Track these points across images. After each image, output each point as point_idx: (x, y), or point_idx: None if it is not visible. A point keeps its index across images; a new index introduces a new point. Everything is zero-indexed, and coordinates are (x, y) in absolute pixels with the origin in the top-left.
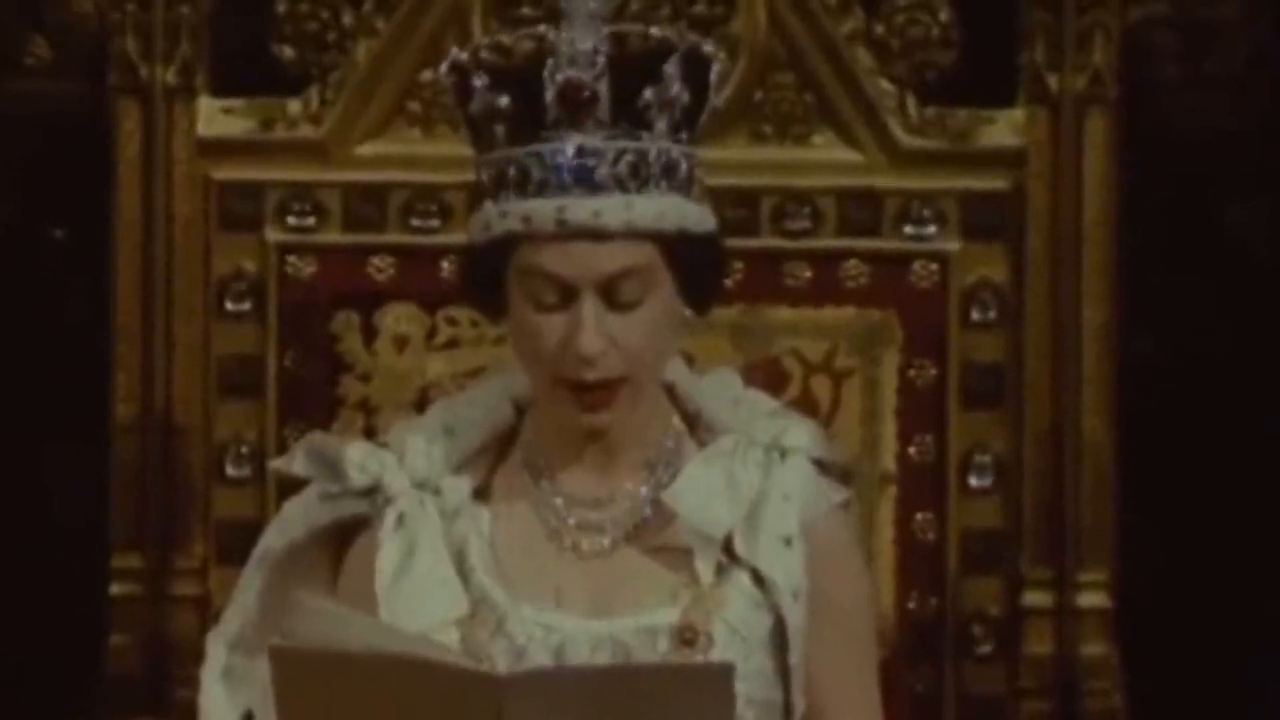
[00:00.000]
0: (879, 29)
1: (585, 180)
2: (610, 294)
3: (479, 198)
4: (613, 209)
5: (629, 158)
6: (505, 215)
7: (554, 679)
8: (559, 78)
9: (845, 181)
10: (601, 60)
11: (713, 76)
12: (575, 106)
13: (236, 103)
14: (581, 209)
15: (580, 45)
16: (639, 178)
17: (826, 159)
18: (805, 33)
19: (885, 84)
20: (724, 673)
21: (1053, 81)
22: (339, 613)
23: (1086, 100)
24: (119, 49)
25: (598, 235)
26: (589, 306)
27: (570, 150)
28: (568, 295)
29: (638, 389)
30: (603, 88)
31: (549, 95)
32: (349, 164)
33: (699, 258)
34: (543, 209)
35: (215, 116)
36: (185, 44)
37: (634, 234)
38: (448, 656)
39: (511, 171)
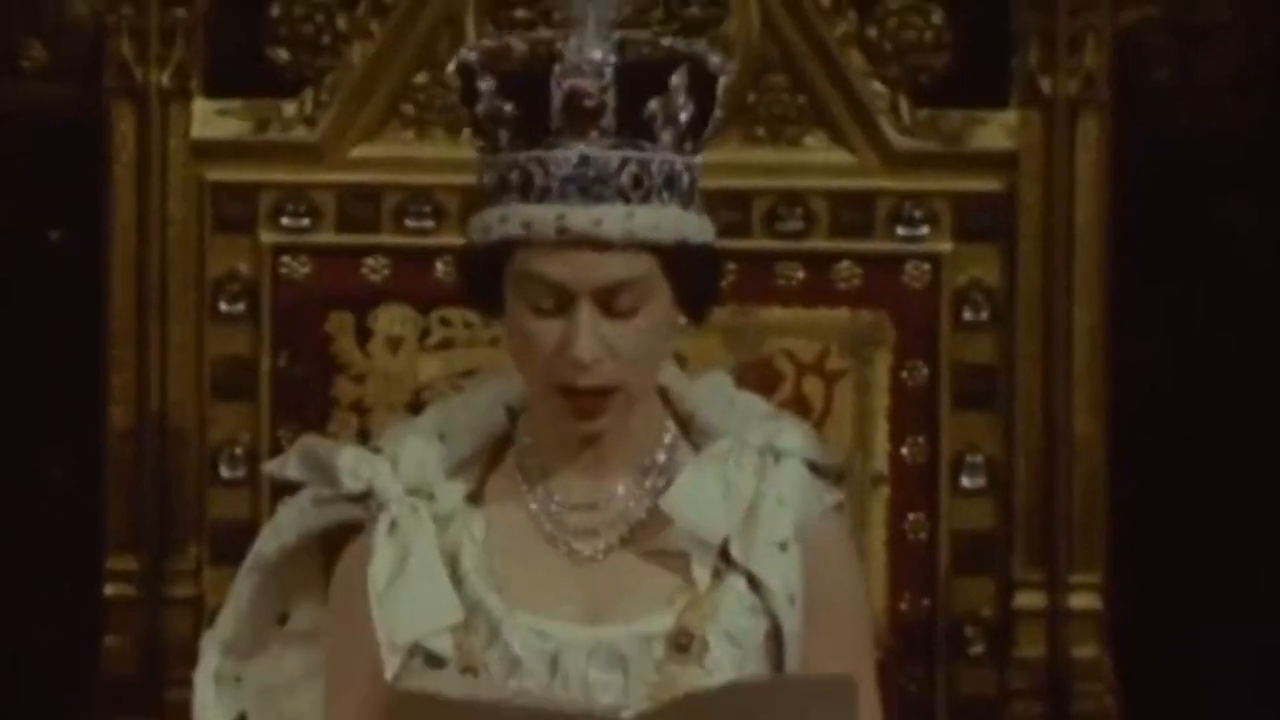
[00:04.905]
0: (872, 31)
1: (587, 189)
2: (607, 301)
3: (480, 200)
4: (613, 218)
5: (632, 168)
6: (505, 220)
7: (678, 710)
8: (565, 85)
9: (838, 183)
10: (609, 70)
11: (719, 89)
12: (580, 115)
13: (231, 105)
14: (582, 217)
15: (588, 54)
16: (641, 188)
17: (819, 160)
18: (798, 35)
19: (878, 86)
20: (849, 684)
21: (1045, 84)
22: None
23: (1079, 103)
24: (114, 52)
25: (598, 244)
26: (585, 313)
27: (574, 158)
28: (565, 301)
29: (631, 396)
30: (609, 98)
31: (555, 102)
32: (343, 166)
33: (698, 268)
34: (543, 215)
35: (210, 119)
36: (180, 47)
37: (634, 244)
38: (568, 704)
39: (513, 176)
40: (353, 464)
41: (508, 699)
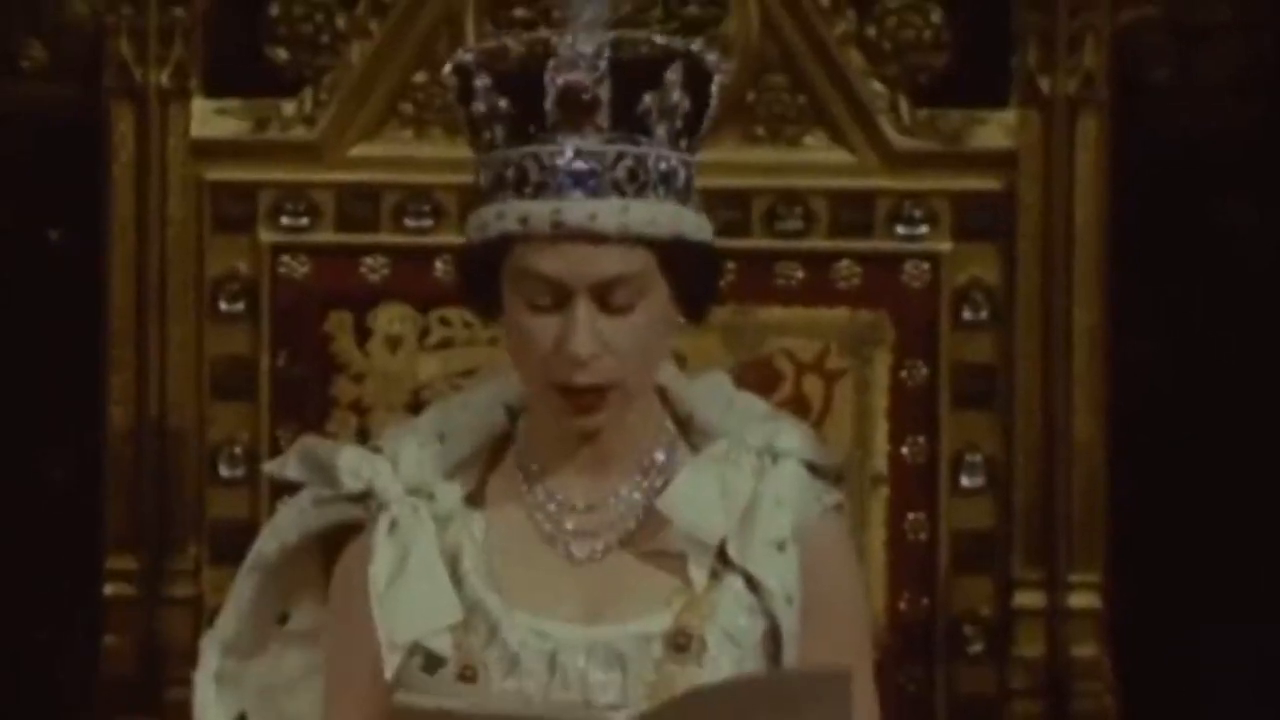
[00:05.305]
0: (871, 30)
1: (582, 183)
2: (604, 298)
3: (477, 199)
4: (609, 212)
5: (627, 162)
6: (502, 216)
7: (675, 710)
8: (559, 81)
9: (837, 182)
10: (603, 65)
11: (715, 86)
12: (575, 110)
13: (230, 104)
14: (578, 211)
15: (582, 49)
16: (636, 182)
17: (819, 160)
18: (797, 34)
19: (877, 85)
20: (844, 676)
21: (1044, 83)
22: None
23: (1078, 102)
24: (114, 51)
25: (593, 238)
26: (582, 309)
27: (569, 153)
28: (562, 297)
29: (629, 393)
30: (603, 92)
31: (549, 98)
32: (342, 165)
33: (695, 265)
34: (539, 210)
35: (209, 118)
36: (179, 46)
37: (630, 238)
38: (568, 713)
39: (509, 173)
40: (353, 464)
41: (509, 710)
